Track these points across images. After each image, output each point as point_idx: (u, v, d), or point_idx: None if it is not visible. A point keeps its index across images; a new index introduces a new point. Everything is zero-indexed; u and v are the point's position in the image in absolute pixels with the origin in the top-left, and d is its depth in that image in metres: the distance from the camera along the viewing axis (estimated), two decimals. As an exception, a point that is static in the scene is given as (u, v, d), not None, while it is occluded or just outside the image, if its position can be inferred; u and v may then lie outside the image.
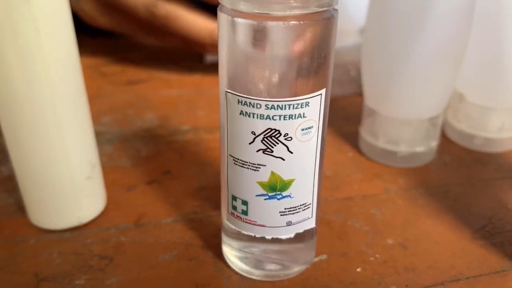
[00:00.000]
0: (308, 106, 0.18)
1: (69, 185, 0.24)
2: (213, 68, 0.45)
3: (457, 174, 0.30)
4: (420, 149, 0.30)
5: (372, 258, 0.23)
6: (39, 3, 0.20)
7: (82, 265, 0.22)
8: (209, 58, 0.47)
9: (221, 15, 0.17)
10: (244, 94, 0.18)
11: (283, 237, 0.20)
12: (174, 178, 0.29)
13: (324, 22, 0.17)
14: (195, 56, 0.48)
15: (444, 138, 0.34)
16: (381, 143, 0.31)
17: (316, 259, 0.23)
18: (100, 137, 0.33)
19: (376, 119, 0.31)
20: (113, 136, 0.34)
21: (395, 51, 0.28)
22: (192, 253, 0.23)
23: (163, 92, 0.41)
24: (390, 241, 0.24)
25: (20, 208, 0.26)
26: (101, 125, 0.35)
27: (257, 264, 0.22)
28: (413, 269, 0.23)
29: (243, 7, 0.17)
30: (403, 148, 0.30)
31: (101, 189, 0.26)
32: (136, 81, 0.43)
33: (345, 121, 0.36)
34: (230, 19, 0.17)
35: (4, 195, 0.27)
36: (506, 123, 0.32)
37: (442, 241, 0.24)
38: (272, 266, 0.22)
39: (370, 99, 0.31)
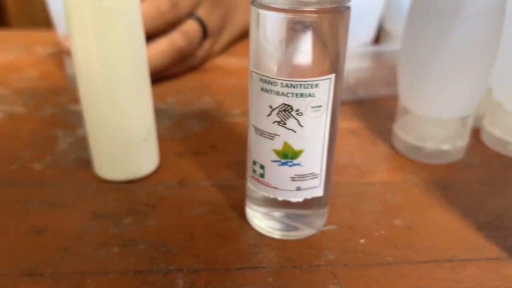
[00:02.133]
0: (317, 87, 0.21)
1: (129, 144, 0.29)
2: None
3: (480, 174, 0.32)
4: (446, 147, 0.32)
5: (376, 233, 0.26)
6: (115, -8, 0.25)
7: (130, 208, 0.27)
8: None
9: (251, 8, 0.21)
10: (265, 74, 0.22)
11: (293, 200, 0.24)
12: (217, 151, 0.33)
13: (336, 16, 0.21)
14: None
15: (479, 143, 0.35)
16: (411, 139, 0.33)
17: (326, 227, 0.26)
18: (163, 113, 0.38)
19: (408, 116, 0.33)
20: (174, 114, 0.39)
21: (427, 50, 0.30)
22: (220, 210, 0.27)
23: (223, 80, 0.45)
24: (397, 221, 0.27)
25: (88, 161, 0.31)
26: (166, 104, 0.40)
27: (272, 224, 0.25)
28: (411, 246, 0.25)
29: (266, 1, 0.20)
30: (430, 145, 0.32)
31: (155, 151, 0.31)
32: (202, 69, 0.48)
33: (384, 119, 0.38)
34: (256, 11, 0.21)
35: (78, 151, 0.33)
36: (540, 132, 0.33)
37: (447, 228, 0.26)
38: (284, 226, 0.25)
39: (403, 97, 0.33)
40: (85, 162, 0.31)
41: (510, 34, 0.31)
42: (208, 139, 0.35)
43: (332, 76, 0.22)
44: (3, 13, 1.53)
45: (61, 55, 0.49)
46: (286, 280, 0.23)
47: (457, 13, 0.28)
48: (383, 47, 0.44)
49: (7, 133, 0.35)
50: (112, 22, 0.25)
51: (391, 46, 0.45)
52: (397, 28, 0.47)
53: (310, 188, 0.24)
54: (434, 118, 0.32)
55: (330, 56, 0.21)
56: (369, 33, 0.46)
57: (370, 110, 0.40)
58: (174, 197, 0.28)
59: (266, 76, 0.21)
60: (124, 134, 0.28)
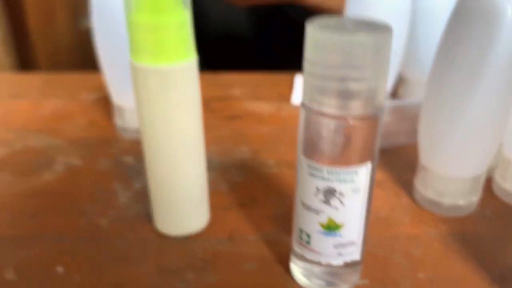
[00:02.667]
0: (357, 174, 0.26)
1: (187, 202, 0.33)
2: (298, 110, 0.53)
3: (493, 226, 0.36)
4: (462, 202, 0.37)
5: (403, 287, 0.30)
6: (181, 84, 0.29)
7: (190, 263, 0.32)
8: (296, 101, 0.55)
9: (300, 108, 0.26)
10: (312, 161, 0.26)
11: (334, 263, 0.28)
12: (259, 204, 0.38)
13: (374, 119, 0.25)
14: (284, 97, 0.57)
15: (490, 192, 0.39)
16: (430, 194, 0.37)
17: (360, 282, 0.30)
18: (207, 165, 0.43)
19: (427, 173, 0.37)
20: (216, 165, 0.43)
21: (447, 115, 0.34)
22: (268, 265, 0.32)
23: (256, 128, 0.50)
24: (420, 275, 0.31)
25: (147, 216, 0.36)
26: (207, 154, 0.45)
27: (314, 280, 0.30)
28: (435, 300, 0.29)
29: (316, 107, 0.25)
30: (447, 200, 0.37)
31: (207, 208, 0.35)
32: (235, 116, 0.52)
33: (406, 168, 0.43)
34: (304, 112, 0.25)
35: (137, 205, 0.37)
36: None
37: (465, 281, 0.31)
38: (325, 282, 0.29)
39: (423, 157, 0.37)
40: (145, 217, 0.36)
41: (519, 104, 0.35)
42: (249, 191, 0.39)
43: (369, 164, 0.26)
44: (25, 35, 1.59)
45: (107, 102, 0.54)
46: (330, 332, 0.27)
47: (477, 75, 0.32)
48: (404, 102, 0.49)
49: (70, 187, 0.40)
50: (176, 93, 0.30)
51: (411, 100, 0.49)
52: (415, 75, 0.52)
53: (350, 253, 0.28)
54: (452, 176, 0.36)
55: (368, 149, 0.26)
56: (389, 82, 0.50)
57: (392, 160, 0.44)
58: (226, 252, 0.33)
59: (313, 164, 0.26)
60: (184, 193, 0.33)
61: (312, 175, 0.26)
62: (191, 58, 0.30)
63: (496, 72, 0.31)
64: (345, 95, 0.24)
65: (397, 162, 0.44)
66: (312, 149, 0.26)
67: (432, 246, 0.34)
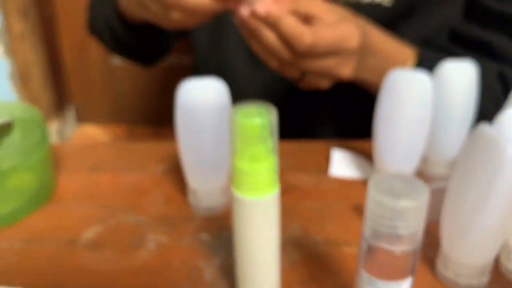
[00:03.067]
0: (401, 285, 0.36)
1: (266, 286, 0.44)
2: (338, 182, 0.64)
3: (499, 303, 0.46)
4: (475, 281, 0.47)
5: None
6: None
7: (271, 337, 0.42)
8: (333, 172, 0.65)
9: (362, 240, 0.36)
10: (372, 277, 0.36)
11: None
12: (316, 284, 0.48)
13: (413, 251, 0.35)
14: (322, 167, 0.67)
15: (498, 272, 0.50)
16: (449, 274, 0.47)
17: None
18: (267, 241, 0.53)
19: (448, 257, 0.48)
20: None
21: (469, 211, 0.44)
22: (330, 338, 0.42)
23: (301, 202, 0.60)
24: None
25: (232, 293, 0.46)
26: (266, 230, 0.55)
27: None
28: None
29: (372, 241, 0.35)
30: (463, 280, 0.47)
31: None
32: (283, 190, 0.63)
33: (429, 246, 0.53)
34: (366, 244, 0.36)
35: (222, 282, 0.48)
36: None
37: None
38: None
39: (445, 246, 0.48)
40: (229, 294, 0.47)
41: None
42: (306, 270, 0.50)
43: (409, 278, 0.36)
44: (61, 70, 1.70)
45: (175, 173, 0.64)
46: None
47: (487, 196, 0.42)
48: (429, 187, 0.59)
49: (163, 264, 0.50)
50: (265, 215, 0.40)
51: (435, 185, 0.59)
52: (435, 157, 0.62)
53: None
54: (468, 262, 0.46)
55: (408, 269, 0.36)
56: (414, 163, 0.60)
57: (417, 237, 0.54)
58: (296, 326, 0.43)
59: (372, 278, 0.36)
60: (264, 282, 0.43)
61: (372, 285, 0.37)
62: (275, 189, 0.40)
63: (501, 195, 0.42)
64: (396, 237, 0.35)
65: (428, 240, 0.54)
66: (372, 268, 0.37)
67: (453, 321, 0.44)
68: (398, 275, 0.36)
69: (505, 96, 0.78)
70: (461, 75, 0.59)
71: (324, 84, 0.65)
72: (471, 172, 0.43)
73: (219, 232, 0.55)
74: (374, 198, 0.35)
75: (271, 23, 0.57)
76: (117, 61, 1.72)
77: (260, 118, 0.37)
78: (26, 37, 1.50)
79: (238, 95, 0.56)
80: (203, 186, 0.57)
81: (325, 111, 0.86)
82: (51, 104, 1.64)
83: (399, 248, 0.35)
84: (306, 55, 0.58)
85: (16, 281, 0.48)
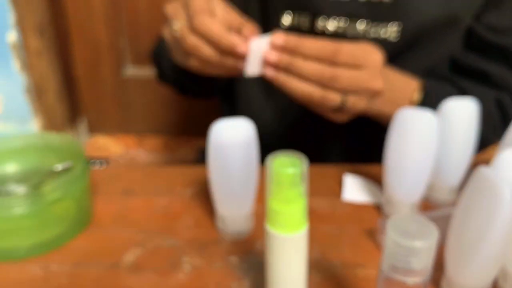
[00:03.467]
0: (415, 312, 0.42)
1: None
2: (351, 206, 0.70)
3: (497, 321, 0.52)
4: (476, 303, 0.53)
5: None
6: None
7: None
8: (346, 197, 0.72)
9: (381, 273, 0.43)
10: (388, 303, 0.43)
11: None
12: (336, 302, 0.55)
13: (423, 283, 0.42)
14: (334, 192, 0.73)
15: (495, 290, 0.56)
16: (453, 296, 0.54)
17: None
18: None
19: (451, 281, 0.54)
20: (297, 264, 0.60)
21: (471, 242, 0.51)
22: None
23: (318, 226, 0.66)
24: None
25: (262, 313, 0.53)
26: (288, 253, 0.62)
27: None
28: None
29: (390, 274, 0.42)
30: (466, 302, 0.53)
31: (303, 309, 0.52)
32: (302, 214, 0.69)
33: (435, 267, 0.59)
34: (383, 276, 0.42)
35: (251, 303, 0.54)
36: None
37: None
38: None
39: (448, 270, 0.54)
40: (260, 314, 0.53)
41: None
42: (326, 291, 0.56)
43: (422, 305, 0.43)
44: (74, 83, 1.76)
45: (202, 197, 0.71)
46: None
47: (487, 230, 0.49)
48: (435, 213, 0.65)
49: (201, 286, 0.57)
50: (293, 248, 0.47)
51: (440, 212, 0.65)
52: (440, 183, 0.69)
53: None
54: (470, 286, 0.53)
55: (422, 296, 0.43)
56: (421, 191, 0.67)
57: (423, 259, 0.61)
58: None
59: (389, 306, 0.43)
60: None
61: (387, 309, 0.43)
62: (305, 227, 0.47)
63: (500, 230, 0.48)
64: (409, 271, 0.41)
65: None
66: (387, 294, 0.43)
67: (457, 338, 0.50)
68: (411, 302, 0.43)
69: (503, 122, 0.84)
70: (463, 112, 0.66)
71: (361, 104, 0.69)
72: (473, 209, 0.50)
73: (247, 255, 0.61)
74: (392, 238, 0.41)
75: (294, 49, 0.64)
76: (127, 74, 1.78)
77: (294, 168, 0.44)
78: (42, 54, 1.56)
79: (253, 119, 0.62)
80: (230, 213, 0.63)
81: (335, 136, 0.92)
82: (65, 116, 1.70)
83: (412, 280, 0.42)
84: (336, 60, 0.64)
85: (70, 301, 0.55)
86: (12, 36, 1.57)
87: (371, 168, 0.79)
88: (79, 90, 1.79)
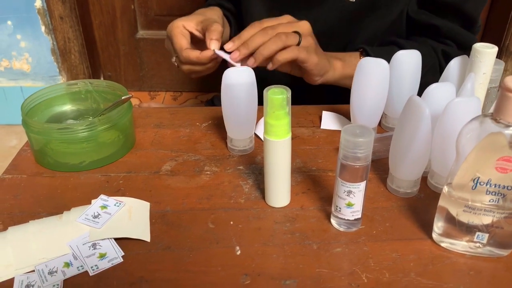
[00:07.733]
0: (359, 186, 0.67)
1: (283, 188, 0.74)
2: (326, 132, 0.94)
3: (424, 203, 0.77)
4: (409, 191, 0.77)
5: (378, 221, 0.71)
6: None
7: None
8: (323, 126, 0.95)
9: (340, 160, 0.66)
10: (344, 181, 0.67)
11: (350, 219, 0.70)
12: (313, 191, 0.78)
13: (366, 162, 0.66)
14: (315, 123, 0.97)
15: (425, 184, 0.80)
16: (393, 186, 0.78)
17: (361, 227, 0.72)
18: (281, 170, 0.84)
19: (393, 176, 0.78)
20: (286, 170, 0.84)
21: (400, 151, 0.74)
22: (320, 219, 0.73)
23: (302, 146, 0.90)
24: (387, 224, 0.72)
25: (262, 195, 0.77)
26: (280, 164, 0.85)
27: (341, 226, 0.71)
28: None
29: (346, 161, 0.65)
30: (402, 190, 0.77)
31: (289, 192, 0.76)
32: (292, 138, 0.92)
33: (383, 172, 0.83)
34: (340, 163, 0.66)
35: (255, 191, 0.78)
36: None
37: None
38: (346, 227, 0.71)
39: (391, 167, 0.78)
40: (261, 198, 0.77)
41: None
42: (306, 185, 0.80)
43: (364, 181, 0.67)
44: (94, 45, 1.95)
45: (215, 129, 0.94)
46: None
47: (414, 136, 0.72)
48: (383, 135, 0.89)
49: (218, 183, 0.80)
50: (282, 149, 0.71)
51: (387, 134, 0.89)
52: (390, 113, 0.92)
53: (356, 215, 0.69)
54: (404, 178, 0.77)
55: (364, 175, 0.67)
56: (377, 119, 0.90)
57: (376, 167, 0.85)
58: (301, 215, 0.74)
59: (345, 182, 0.67)
60: (281, 182, 0.74)
61: (343, 185, 0.67)
62: (289, 136, 0.70)
63: (423, 138, 0.72)
64: (356, 158, 0.65)
65: (378, 168, 0.84)
66: (343, 176, 0.67)
67: (392, 209, 0.75)
68: (358, 180, 0.66)
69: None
70: (409, 60, 0.88)
71: (312, 43, 0.92)
72: (406, 124, 0.73)
73: (250, 164, 0.85)
74: (344, 137, 0.64)
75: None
76: (140, 35, 1.99)
77: (282, 95, 0.67)
78: (65, 18, 1.76)
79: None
80: (238, 136, 0.87)
81: (315, 90, 1.14)
82: (87, 74, 1.91)
83: (358, 164, 0.65)
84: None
85: (126, 195, 0.79)
86: (38, 2, 1.77)
87: (342, 107, 1.02)
88: (98, 51, 1.99)
